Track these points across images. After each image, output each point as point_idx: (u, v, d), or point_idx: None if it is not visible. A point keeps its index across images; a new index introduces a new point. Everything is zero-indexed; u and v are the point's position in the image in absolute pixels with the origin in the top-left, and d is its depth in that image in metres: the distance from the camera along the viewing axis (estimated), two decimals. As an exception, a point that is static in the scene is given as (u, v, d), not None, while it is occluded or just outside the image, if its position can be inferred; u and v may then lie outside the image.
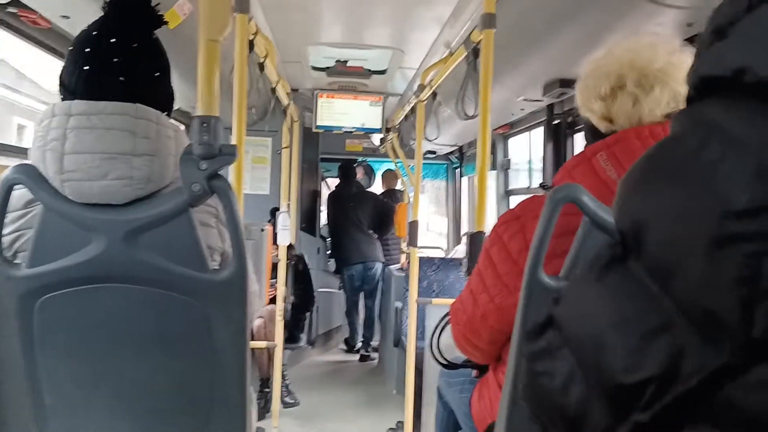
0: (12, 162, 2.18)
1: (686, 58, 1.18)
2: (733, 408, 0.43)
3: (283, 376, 3.99)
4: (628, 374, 0.47)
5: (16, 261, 1.17)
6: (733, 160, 0.43)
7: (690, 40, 1.24)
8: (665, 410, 0.46)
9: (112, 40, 1.22)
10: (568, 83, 2.84)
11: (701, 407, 0.44)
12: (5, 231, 1.17)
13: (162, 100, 1.29)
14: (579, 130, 3.34)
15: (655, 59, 1.17)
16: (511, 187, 4.65)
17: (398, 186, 6.16)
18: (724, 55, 0.46)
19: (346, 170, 5.77)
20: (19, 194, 1.18)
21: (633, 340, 0.48)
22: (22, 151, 2.37)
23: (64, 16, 2.18)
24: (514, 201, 4.46)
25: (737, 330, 0.41)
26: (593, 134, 1.26)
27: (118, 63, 1.21)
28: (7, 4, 2.03)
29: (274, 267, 3.61)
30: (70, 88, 1.21)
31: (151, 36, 1.29)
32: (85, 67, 1.20)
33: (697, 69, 0.49)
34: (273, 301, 3.80)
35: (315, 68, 4.00)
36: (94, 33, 1.23)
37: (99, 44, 1.22)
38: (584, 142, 1.33)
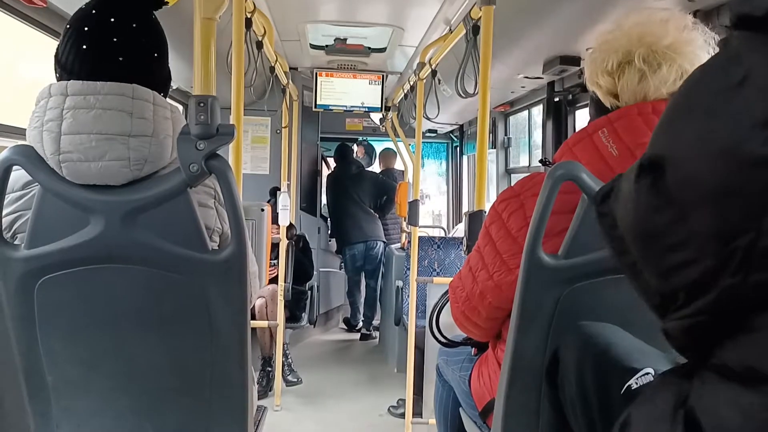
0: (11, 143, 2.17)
1: (696, 36, 1.15)
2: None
3: (286, 355, 4.02)
4: (661, 284, 0.55)
5: (15, 242, 1.17)
6: (754, 87, 0.47)
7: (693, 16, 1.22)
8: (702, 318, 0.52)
9: (112, 19, 1.20)
10: (568, 60, 2.82)
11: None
12: (4, 212, 1.17)
13: (159, 80, 1.27)
14: (579, 108, 3.32)
15: (665, 36, 1.14)
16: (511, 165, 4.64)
17: (397, 165, 6.12)
18: None
19: (343, 152, 5.71)
20: (18, 175, 1.17)
21: (658, 253, 0.55)
22: (20, 132, 2.36)
23: None
24: (516, 179, 4.44)
25: (745, 240, 0.46)
26: (598, 109, 1.25)
27: (117, 42, 1.19)
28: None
29: (275, 247, 3.62)
30: (67, 68, 1.19)
31: (150, 15, 1.26)
32: (83, 47, 1.18)
33: (733, 7, 0.53)
34: (274, 281, 3.81)
35: (314, 46, 3.96)
36: (93, 11, 1.21)
37: (98, 23, 1.20)
38: (584, 120, 1.32)
